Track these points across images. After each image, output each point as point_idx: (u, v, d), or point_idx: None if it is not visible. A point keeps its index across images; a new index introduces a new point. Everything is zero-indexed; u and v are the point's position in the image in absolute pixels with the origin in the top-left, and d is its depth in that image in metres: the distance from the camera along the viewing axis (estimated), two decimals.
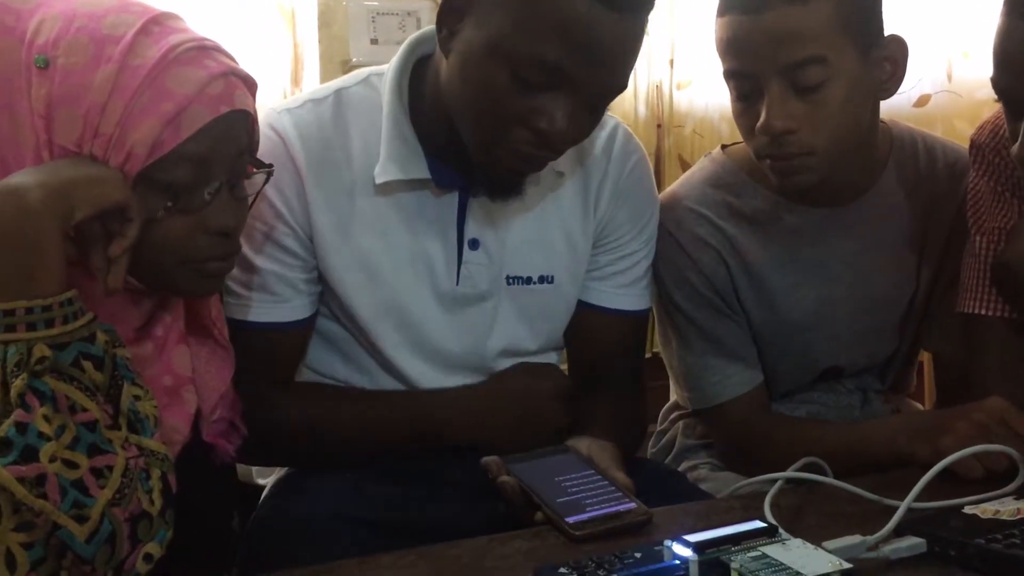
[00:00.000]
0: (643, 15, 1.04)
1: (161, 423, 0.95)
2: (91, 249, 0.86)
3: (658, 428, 1.52)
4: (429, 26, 1.14)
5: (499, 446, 1.10)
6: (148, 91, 0.86)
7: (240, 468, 1.27)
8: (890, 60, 1.17)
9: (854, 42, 1.13)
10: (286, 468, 1.26)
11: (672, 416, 1.50)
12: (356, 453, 1.17)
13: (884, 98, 1.20)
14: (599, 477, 1.02)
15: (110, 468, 0.78)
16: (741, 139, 1.25)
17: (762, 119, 1.14)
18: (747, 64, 1.14)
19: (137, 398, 0.84)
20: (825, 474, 1.05)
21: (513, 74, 1.02)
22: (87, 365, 0.80)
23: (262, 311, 1.17)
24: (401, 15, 2.96)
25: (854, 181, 1.27)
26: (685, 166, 2.66)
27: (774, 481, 1.02)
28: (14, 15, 0.87)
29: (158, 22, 0.90)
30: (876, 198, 1.29)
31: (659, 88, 2.83)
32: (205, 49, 0.91)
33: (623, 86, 1.07)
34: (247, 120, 0.94)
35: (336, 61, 2.74)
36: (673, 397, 1.50)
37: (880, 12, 1.17)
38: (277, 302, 1.17)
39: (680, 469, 1.41)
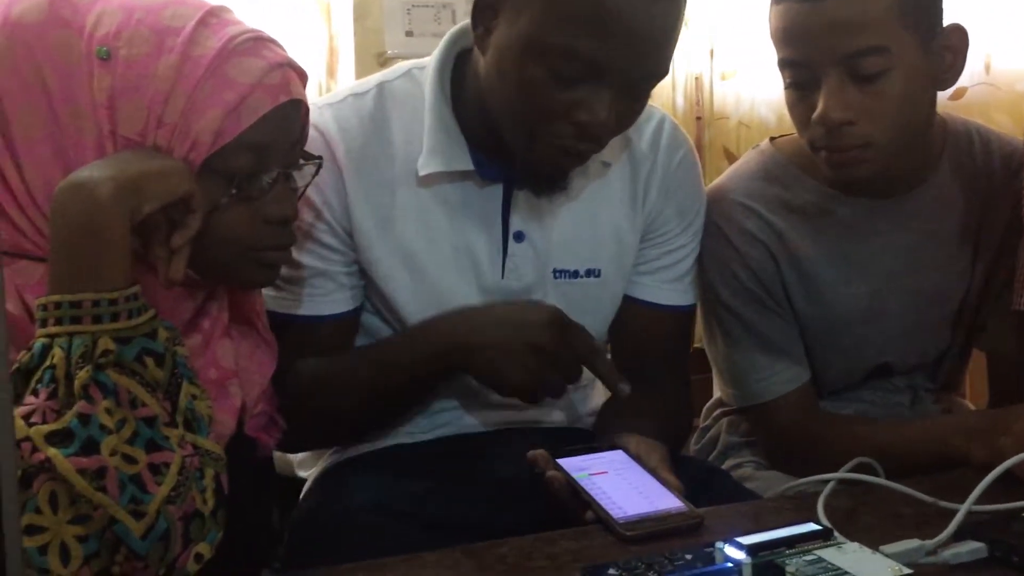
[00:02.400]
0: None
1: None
2: (153, 240, 0.86)
3: (701, 424, 1.49)
4: (468, 20, 1.12)
5: (490, 356, 1.04)
6: (211, 80, 0.87)
7: (279, 462, 1.26)
8: (950, 50, 1.14)
9: (915, 31, 1.10)
10: (327, 461, 1.24)
11: (716, 413, 1.48)
12: (363, 393, 1.14)
13: (942, 89, 1.17)
14: (649, 476, 1.00)
15: (167, 465, 0.78)
16: (789, 130, 1.22)
17: (819, 109, 1.11)
18: (804, 53, 1.12)
19: (194, 397, 0.84)
20: (877, 475, 1.03)
21: (549, 69, 1.01)
22: (149, 361, 0.80)
23: (304, 304, 1.16)
24: (436, 7, 2.96)
25: (909, 174, 1.24)
26: (731, 158, 2.62)
27: (824, 482, 0.99)
28: (71, 8, 0.88)
29: (215, 14, 0.91)
30: (931, 191, 1.26)
31: (698, 80, 2.80)
32: (261, 40, 0.92)
33: (664, 71, 1.05)
34: (300, 110, 0.95)
35: (371, 53, 2.74)
36: (717, 393, 1.47)
37: (941, 1, 1.14)
38: (319, 295, 1.16)
39: (724, 467, 1.38)
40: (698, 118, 2.76)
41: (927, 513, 0.93)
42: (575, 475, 1.00)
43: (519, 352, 1.02)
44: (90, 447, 0.74)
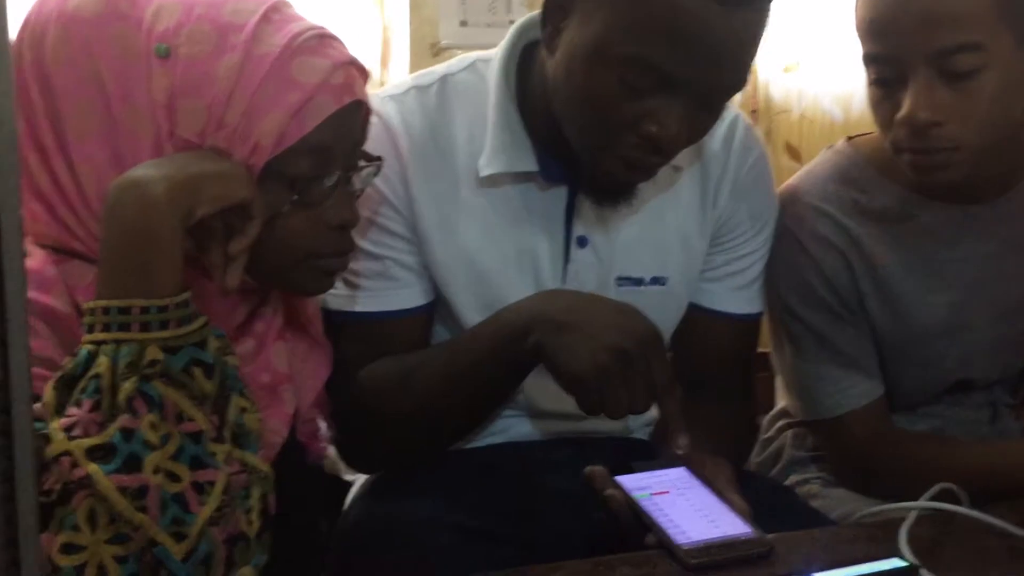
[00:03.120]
0: (763, 7, 0.96)
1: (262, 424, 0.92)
2: (210, 246, 0.82)
3: (763, 436, 1.43)
4: (537, 11, 1.07)
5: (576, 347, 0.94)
6: (274, 81, 0.83)
7: (328, 461, 1.23)
8: None
9: (1012, 29, 1.03)
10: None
11: (779, 424, 1.41)
12: (441, 385, 1.06)
13: None
14: (715, 498, 0.95)
15: (212, 484, 0.74)
16: (857, 127, 1.16)
17: (905, 109, 1.04)
18: (892, 48, 1.05)
19: (244, 410, 0.80)
20: (958, 501, 0.96)
21: (619, 78, 0.96)
22: (197, 372, 0.76)
23: (376, 299, 1.11)
24: None
25: (996, 179, 1.17)
26: (793, 153, 2.54)
27: (904, 509, 0.93)
28: (129, 2, 0.84)
29: (277, 9, 0.87)
30: (1018, 197, 1.19)
31: (754, 72, 2.73)
32: (325, 37, 0.88)
33: (741, 84, 0.99)
34: (362, 111, 0.92)
35: (426, 43, 2.71)
36: (780, 403, 1.41)
37: None
38: (388, 290, 1.11)
39: (788, 483, 1.33)
40: (753, 111, 2.68)
41: (1018, 547, 0.87)
42: (635, 495, 0.95)
43: (600, 350, 0.93)
44: (132, 463, 0.71)
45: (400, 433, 1.09)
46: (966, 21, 1.01)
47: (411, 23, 2.81)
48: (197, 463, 0.73)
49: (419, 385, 1.07)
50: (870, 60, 1.08)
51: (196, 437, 0.74)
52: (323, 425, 1.06)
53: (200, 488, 0.73)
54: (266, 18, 0.85)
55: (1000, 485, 1.09)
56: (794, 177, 1.27)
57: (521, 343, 0.98)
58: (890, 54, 1.06)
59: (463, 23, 2.93)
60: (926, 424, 1.27)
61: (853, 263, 1.20)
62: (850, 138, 1.26)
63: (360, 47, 2.71)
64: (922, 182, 1.12)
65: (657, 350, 0.96)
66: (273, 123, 0.83)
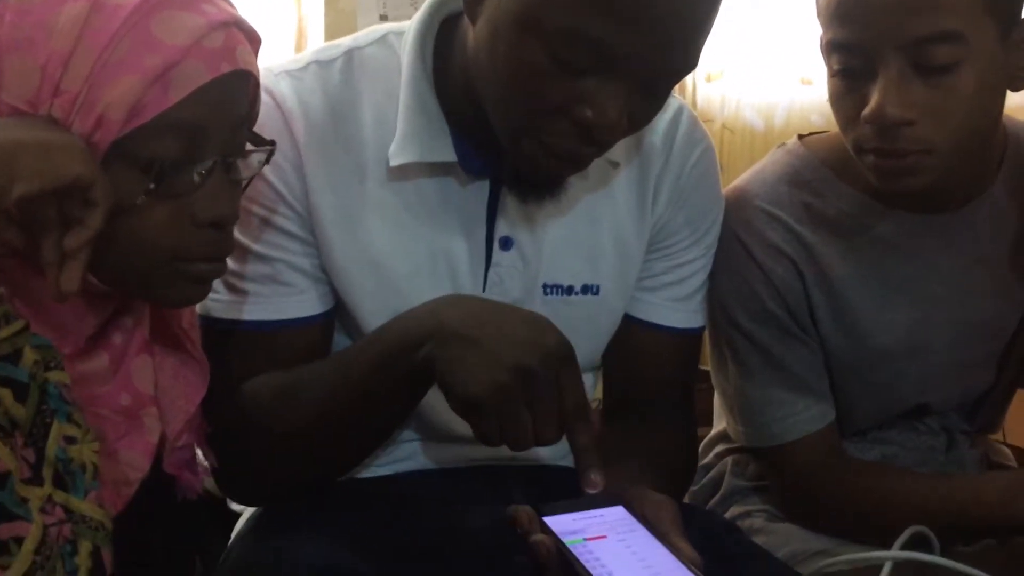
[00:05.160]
0: None
1: (114, 457, 0.77)
2: (42, 238, 0.67)
3: (701, 462, 1.31)
4: None
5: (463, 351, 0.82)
6: (128, 39, 0.69)
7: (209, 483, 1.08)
8: None
9: (995, 18, 0.93)
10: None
11: (718, 449, 1.30)
12: (336, 407, 0.92)
13: (1016, 90, 0.99)
14: (658, 544, 0.82)
15: (19, 541, 0.58)
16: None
17: (872, 104, 0.93)
18: (861, 34, 0.93)
19: (71, 441, 0.65)
20: (930, 543, 0.86)
21: (551, 52, 0.82)
22: (4, 394, 0.62)
23: (264, 307, 0.97)
24: None
25: (963, 186, 1.07)
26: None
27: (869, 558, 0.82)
28: None
29: None
30: (984, 208, 1.09)
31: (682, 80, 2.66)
32: None
33: (691, 66, 0.87)
34: (249, 84, 0.77)
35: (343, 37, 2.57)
36: (719, 425, 1.30)
37: None
38: (285, 294, 0.97)
39: (728, 515, 1.21)
40: None
41: None
42: (567, 540, 0.82)
43: (502, 368, 0.80)
44: None
45: (286, 457, 0.95)
46: (947, 7, 0.90)
47: (328, 16, 2.70)
48: (1, 513, 0.58)
49: (305, 401, 0.93)
50: (833, 48, 0.97)
51: (0, 480, 0.59)
52: (199, 453, 0.92)
53: (3, 548, 0.57)
54: None
55: (963, 520, 1.02)
56: (741, 178, 1.16)
57: (412, 355, 0.84)
58: (858, 41, 0.94)
59: (383, 17, 2.81)
60: (878, 451, 1.17)
61: (805, 273, 1.09)
62: (802, 136, 1.15)
63: (275, 40, 2.59)
64: (885, 188, 1.01)
65: (569, 370, 0.82)
66: (125, 91, 0.68)
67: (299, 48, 2.74)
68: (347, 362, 0.93)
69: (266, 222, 0.96)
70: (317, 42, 2.68)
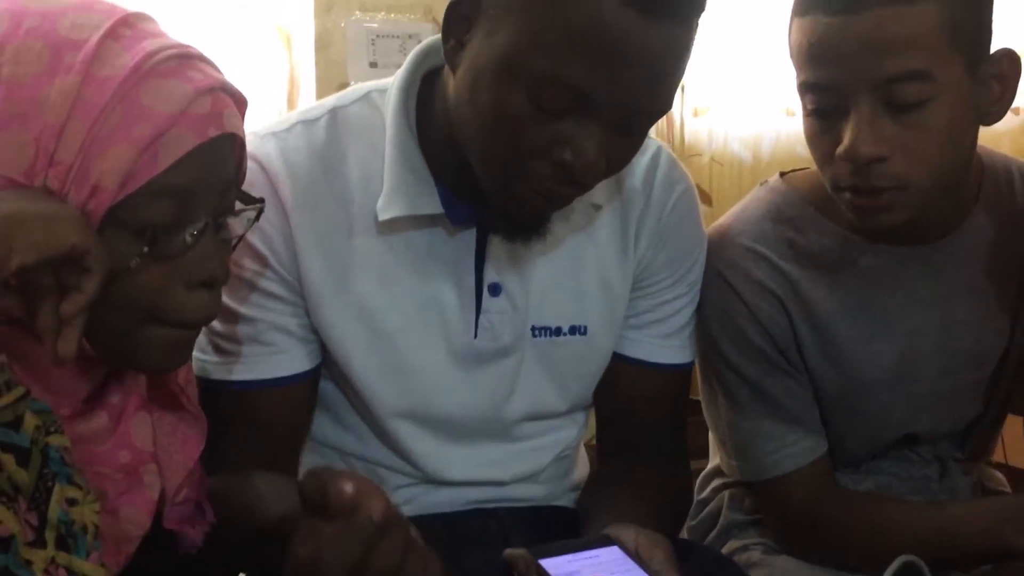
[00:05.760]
0: (690, 20, 0.86)
1: (116, 514, 0.78)
2: (39, 305, 0.68)
3: (698, 497, 1.32)
4: (438, 35, 0.96)
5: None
6: (119, 109, 0.70)
7: None
8: (999, 79, 0.99)
9: (962, 55, 0.95)
10: None
11: (714, 484, 1.31)
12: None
13: (987, 124, 1.00)
14: None
15: None
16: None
17: (845, 142, 0.95)
18: (833, 75, 0.95)
19: (72, 503, 0.65)
20: (922, 574, 0.87)
21: (530, 97, 0.84)
22: (6, 459, 0.62)
23: (252, 367, 0.99)
24: (402, 38, 2.83)
25: (941, 219, 1.09)
26: (704, 197, 2.49)
27: None
28: None
29: (129, 24, 0.73)
30: (965, 237, 1.10)
31: (669, 116, 2.68)
32: (188, 58, 0.74)
33: (667, 107, 0.89)
34: (235, 145, 0.78)
35: (333, 85, 2.62)
36: (714, 460, 1.30)
37: (990, 21, 0.99)
38: (271, 353, 0.99)
39: (726, 549, 1.21)
40: None
41: None
42: None
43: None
44: None
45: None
46: (914, 46, 0.92)
47: (318, 64, 2.72)
48: None
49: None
50: (807, 88, 0.99)
51: (5, 543, 0.60)
52: (202, 506, 0.93)
53: None
54: (113, 33, 0.71)
55: (954, 550, 1.03)
56: (724, 216, 1.18)
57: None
58: (829, 82, 0.96)
59: (372, 64, 2.83)
60: (872, 482, 1.17)
61: (790, 309, 1.10)
62: (783, 174, 1.17)
63: (266, 88, 2.60)
64: (864, 224, 1.03)
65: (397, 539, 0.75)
66: (117, 160, 0.69)
67: (290, 96, 2.76)
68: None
69: (252, 285, 0.97)
70: (308, 89, 2.69)
